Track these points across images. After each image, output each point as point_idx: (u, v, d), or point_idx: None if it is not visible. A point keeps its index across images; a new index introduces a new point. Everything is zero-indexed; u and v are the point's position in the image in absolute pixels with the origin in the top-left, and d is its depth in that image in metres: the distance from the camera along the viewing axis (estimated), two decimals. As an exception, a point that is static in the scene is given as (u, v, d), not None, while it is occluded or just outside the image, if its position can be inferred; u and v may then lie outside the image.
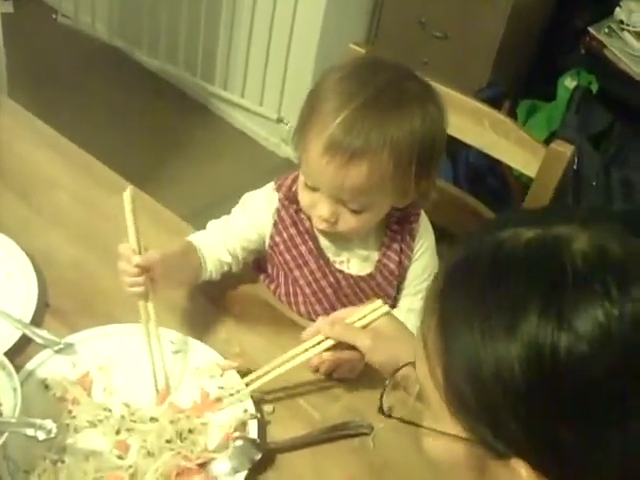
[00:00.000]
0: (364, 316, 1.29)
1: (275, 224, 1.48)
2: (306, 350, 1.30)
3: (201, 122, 3.30)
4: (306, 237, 1.48)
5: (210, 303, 1.47)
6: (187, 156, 3.10)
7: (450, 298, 0.79)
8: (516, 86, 2.99)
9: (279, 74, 3.12)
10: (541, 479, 0.74)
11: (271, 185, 1.50)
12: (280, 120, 3.20)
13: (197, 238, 1.46)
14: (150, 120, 3.22)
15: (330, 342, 1.29)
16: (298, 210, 1.46)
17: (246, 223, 1.49)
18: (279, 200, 1.47)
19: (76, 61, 3.46)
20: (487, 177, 2.67)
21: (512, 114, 2.74)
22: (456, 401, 0.78)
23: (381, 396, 0.97)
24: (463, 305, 0.76)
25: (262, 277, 1.59)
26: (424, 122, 1.33)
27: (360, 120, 1.29)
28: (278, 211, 1.48)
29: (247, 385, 1.30)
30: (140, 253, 1.27)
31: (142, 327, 1.31)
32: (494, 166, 2.61)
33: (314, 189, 1.36)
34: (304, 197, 1.40)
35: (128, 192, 1.25)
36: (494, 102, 2.17)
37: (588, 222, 0.75)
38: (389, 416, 0.91)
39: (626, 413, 0.71)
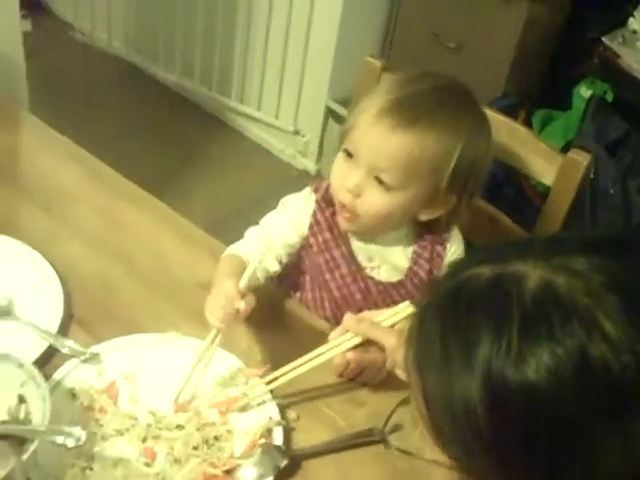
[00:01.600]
0: (391, 316, 1.29)
1: (311, 226, 1.49)
2: (330, 350, 1.30)
3: (217, 135, 3.32)
4: (339, 241, 1.48)
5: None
6: (204, 169, 3.13)
7: (420, 337, 0.82)
8: (531, 96, 3.00)
9: (295, 87, 3.14)
10: None
11: (308, 189, 1.51)
12: (296, 132, 3.22)
13: (244, 252, 1.44)
14: (166, 134, 3.25)
15: (354, 342, 1.29)
16: (334, 213, 1.47)
17: (288, 226, 1.49)
18: (316, 202, 1.48)
19: (94, 77, 3.49)
20: (504, 187, 2.67)
21: (528, 124, 2.74)
22: (438, 433, 0.80)
23: (387, 418, 1.04)
24: (430, 344, 0.79)
25: (285, 284, 1.59)
26: (472, 139, 1.37)
27: (412, 103, 1.35)
28: (314, 213, 1.48)
29: (268, 384, 1.31)
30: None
31: (202, 350, 1.32)
32: (511, 175, 2.62)
33: (351, 155, 1.38)
34: (337, 167, 1.42)
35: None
36: (509, 112, 2.17)
37: (543, 256, 0.75)
38: (395, 449, 1.01)
39: (578, 448, 0.72)
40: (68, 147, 1.79)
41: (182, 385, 1.31)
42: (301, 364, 1.30)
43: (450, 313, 0.78)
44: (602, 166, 2.55)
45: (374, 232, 1.46)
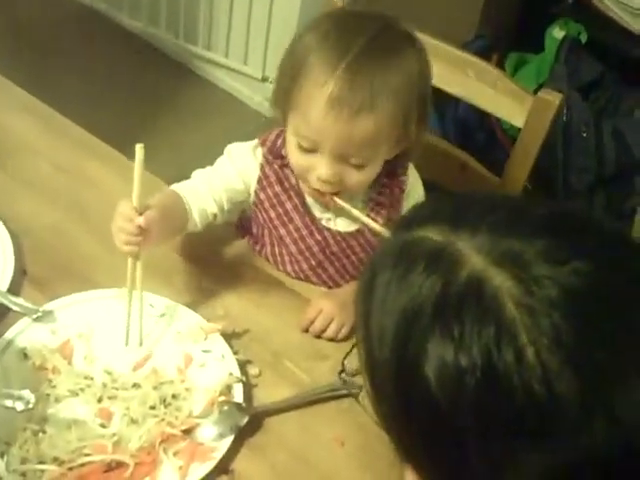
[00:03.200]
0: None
1: (259, 180, 1.44)
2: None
3: (185, 84, 3.24)
4: (291, 194, 1.43)
5: (192, 265, 1.43)
6: (172, 118, 3.05)
7: (360, 300, 0.76)
8: (504, 38, 2.94)
9: (262, 32, 3.06)
10: None
11: (255, 141, 1.45)
12: (265, 79, 3.15)
13: (182, 187, 1.40)
14: (132, 83, 3.16)
15: None
16: (283, 166, 1.41)
17: (232, 172, 1.43)
18: (263, 155, 1.43)
19: (56, 24, 3.38)
20: (476, 132, 2.62)
21: (500, 67, 2.68)
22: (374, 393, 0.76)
23: (343, 360, 1.01)
24: (379, 297, 0.73)
25: (246, 238, 1.55)
26: (419, 63, 1.30)
27: (360, 71, 1.24)
28: (262, 167, 1.43)
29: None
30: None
31: (127, 285, 1.28)
32: (483, 121, 2.57)
33: (311, 150, 1.30)
34: (298, 161, 1.34)
35: (140, 148, 1.19)
36: (482, 55, 2.12)
37: (496, 233, 0.68)
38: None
39: (474, 451, 0.65)
40: (24, 99, 1.72)
41: (126, 328, 1.28)
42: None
43: (395, 270, 0.72)
44: (575, 108, 2.50)
45: None
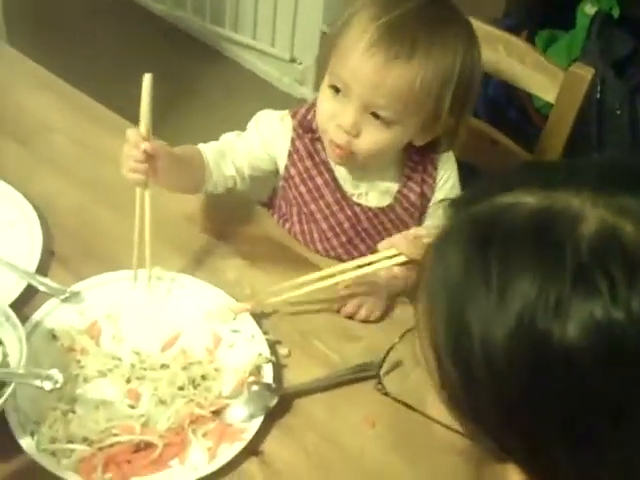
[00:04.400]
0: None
1: (290, 155, 1.42)
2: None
3: (212, 66, 3.22)
4: (322, 169, 1.41)
5: (219, 243, 1.42)
6: (199, 101, 3.04)
7: (437, 271, 0.69)
8: (533, 16, 2.89)
9: (289, 13, 3.04)
10: None
11: (286, 111, 1.44)
12: (293, 60, 3.13)
13: (206, 147, 1.40)
14: (159, 66, 3.07)
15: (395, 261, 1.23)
16: (314, 139, 1.39)
17: (256, 139, 1.42)
18: (293, 128, 1.40)
19: (80, 7, 3.37)
20: (507, 110, 2.58)
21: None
22: (446, 388, 0.69)
23: (384, 356, 0.91)
24: (449, 280, 0.67)
25: (275, 217, 1.53)
26: (467, 53, 1.28)
27: (404, 26, 1.23)
28: (293, 141, 1.41)
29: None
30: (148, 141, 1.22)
31: (137, 214, 1.27)
32: (514, 98, 2.53)
33: (342, 90, 1.27)
34: (324, 104, 1.31)
35: (149, 77, 1.21)
36: (511, 33, 2.09)
37: (601, 189, 0.63)
38: (385, 394, 0.86)
39: (622, 426, 0.60)
40: (46, 78, 1.71)
41: (134, 268, 1.28)
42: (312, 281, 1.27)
43: (480, 247, 0.65)
44: (608, 85, 2.46)
45: (367, 164, 1.38)
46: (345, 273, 1.27)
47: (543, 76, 1.56)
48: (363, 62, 1.23)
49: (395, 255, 1.22)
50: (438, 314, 0.67)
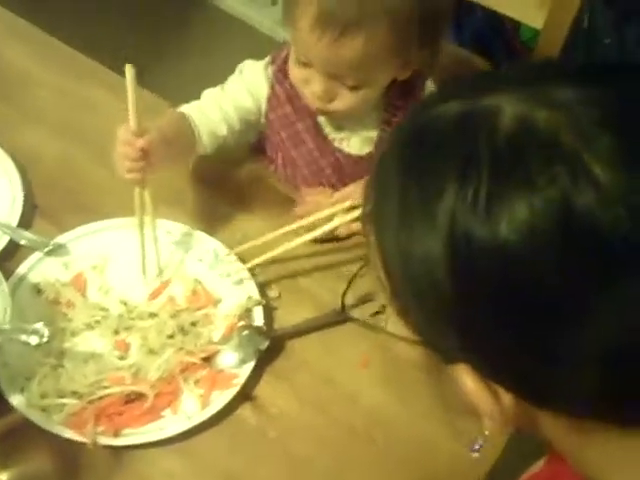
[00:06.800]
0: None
1: (269, 100, 1.38)
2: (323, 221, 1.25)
3: (193, 10, 3.16)
4: (303, 114, 1.38)
5: (205, 189, 1.39)
6: (180, 44, 2.98)
7: (377, 190, 0.68)
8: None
9: (270, -47, 2.98)
10: (489, 387, 0.65)
11: (267, 58, 1.40)
12: (274, 3, 3.08)
13: (189, 108, 1.34)
14: (139, 9, 3.08)
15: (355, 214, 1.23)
16: (293, 85, 1.36)
17: (242, 88, 1.38)
18: (273, 73, 1.37)
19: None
20: (493, 43, 2.54)
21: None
22: (399, 302, 0.68)
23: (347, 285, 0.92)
24: (388, 198, 0.66)
25: (261, 159, 1.49)
26: None
27: None
28: (272, 86, 1.38)
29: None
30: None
31: (136, 214, 1.23)
32: (500, 31, 2.49)
33: (307, 65, 1.25)
34: (296, 73, 1.29)
35: (130, 68, 1.13)
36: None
37: (519, 86, 0.61)
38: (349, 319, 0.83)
39: (565, 316, 0.58)
40: (21, 27, 1.66)
41: (141, 262, 1.25)
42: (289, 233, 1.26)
43: (412, 160, 0.64)
44: (597, 14, 2.41)
45: (348, 114, 1.34)
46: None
47: (529, 3, 1.52)
48: (314, 41, 1.19)
49: (352, 207, 1.22)
50: (383, 236, 0.67)
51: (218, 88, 1.39)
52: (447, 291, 0.61)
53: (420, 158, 0.64)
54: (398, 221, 0.64)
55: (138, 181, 1.20)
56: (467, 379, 0.65)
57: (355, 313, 1.21)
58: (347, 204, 1.25)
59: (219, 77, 1.42)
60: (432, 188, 0.61)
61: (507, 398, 0.64)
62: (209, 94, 1.38)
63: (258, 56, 1.42)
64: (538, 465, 0.83)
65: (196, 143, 1.32)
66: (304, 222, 1.27)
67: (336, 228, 1.27)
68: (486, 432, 1.06)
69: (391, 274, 0.67)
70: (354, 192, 1.27)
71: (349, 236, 1.30)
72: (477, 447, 1.08)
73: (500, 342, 0.60)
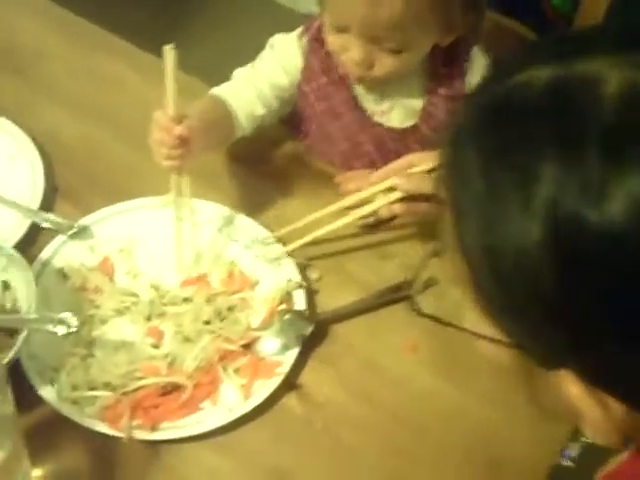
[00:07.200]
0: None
1: (303, 71, 1.31)
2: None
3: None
4: (339, 86, 1.31)
5: (242, 167, 1.32)
6: (202, 18, 2.92)
7: (454, 173, 0.61)
8: None
9: None
10: (598, 397, 0.58)
11: (299, 29, 1.33)
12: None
13: (224, 91, 1.28)
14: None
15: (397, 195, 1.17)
16: (329, 54, 1.28)
17: (275, 65, 1.31)
18: (308, 42, 1.30)
19: None
20: (523, 15, 2.46)
21: None
22: (482, 298, 0.61)
23: (415, 275, 0.82)
24: (467, 181, 0.59)
25: (297, 135, 1.42)
26: None
27: None
28: (306, 56, 1.31)
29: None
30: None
31: (173, 203, 1.17)
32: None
33: (343, 30, 1.19)
34: (332, 41, 1.23)
35: (170, 50, 1.06)
36: None
37: (619, 50, 0.55)
38: (421, 315, 0.79)
39: None
40: (41, 3, 1.59)
41: (177, 255, 1.18)
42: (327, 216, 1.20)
43: (495, 136, 0.57)
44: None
45: (388, 80, 1.27)
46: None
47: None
48: (350, 3, 1.15)
49: (393, 187, 1.17)
50: (463, 223, 0.60)
51: (249, 67, 1.32)
52: (551, 286, 0.54)
53: (507, 136, 0.56)
54: (481, 209, 0.57)
55: (176, 168, 1.14)
56: (571, 386, 0.59)
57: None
58: (387, 184, 1.18)
59: (240, 50, 1.35)
60: (525, 169, 0.54)
61: (617, 407, 0.58)
62: (240, 74, 1.32)
63: (280, 28, 1.35)
64: (617, 460, 0.76)
65: (234, 127, 1.26)
66: (345, 203, 1.21)
67: (376, 211, 1.20)
68: (585, 439, 0.98)
69: (474, 268, 0.59)
70: (393, 170, 1.20)
71: (391, 218, 1.23)
72: (572, 455, 1.00)
73: (617, 344, 0.54)
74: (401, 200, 1.17)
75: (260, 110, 1.29)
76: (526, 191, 0.53)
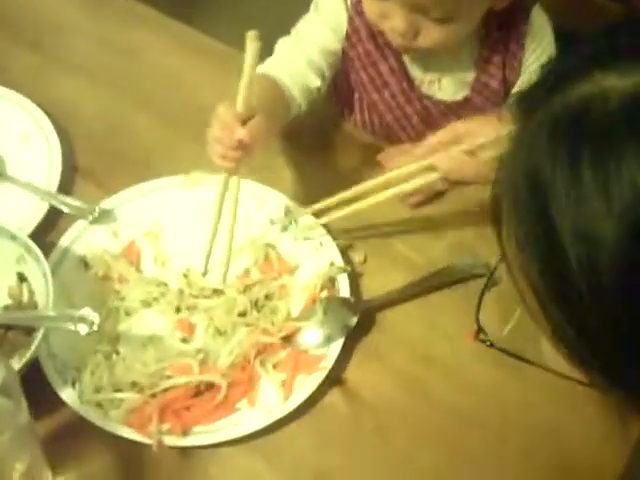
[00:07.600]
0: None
1: (348, 36, 1.22)
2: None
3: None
4: (386, 53, 1.22)
5: (276, 140, 1.23)
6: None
7: (519, 176, 0.59)
8: None
9: None
10: None
11: None
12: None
13: (273, 69, 1.18)
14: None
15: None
16: None
17: (325, 29, 1.22)
18: (353, 5, 1.20)
19: None
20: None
21: None
22: (555, 333, 0.60)
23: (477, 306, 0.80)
24: (538, 186, 0.56)
25: (336, 104, 1.35)
26: None
27: None
28: (351, 20, 1.21)
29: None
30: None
31: (216, 202, 1.07)
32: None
33: None
34: (370, 6, 1.14)
35: (254, 37, 0.95)
36: None
37: None
38: (490, 345, 0.80)
39: None
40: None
41: (206, 257, 1.09)
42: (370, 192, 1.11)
43: (570, 151, 0.54)
44: None
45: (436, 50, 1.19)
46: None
47: None
48: None
49: (432, 167, 1.09)
50: (529, 246, 0.58)
51: (293, 34, 1.23)
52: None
53: (585, 152, 0.54)
54: (545, 230, 0.55)
55: (229, 169, 1.04)
56: None
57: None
58: (426, 163, 1.09)
59: (270, 20, 1.26)
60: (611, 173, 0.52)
61: None
62: (285, 44, 1.22)
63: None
64: None
65: (290, 107, 1.17)
66: (387, 176, 1.13)
67: (416, 189, 1.12)
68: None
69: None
70: (439, 144, 1.10)
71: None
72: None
73: None
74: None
75: (314, 81, 1.20)
76: (607, 193, 0.52)
